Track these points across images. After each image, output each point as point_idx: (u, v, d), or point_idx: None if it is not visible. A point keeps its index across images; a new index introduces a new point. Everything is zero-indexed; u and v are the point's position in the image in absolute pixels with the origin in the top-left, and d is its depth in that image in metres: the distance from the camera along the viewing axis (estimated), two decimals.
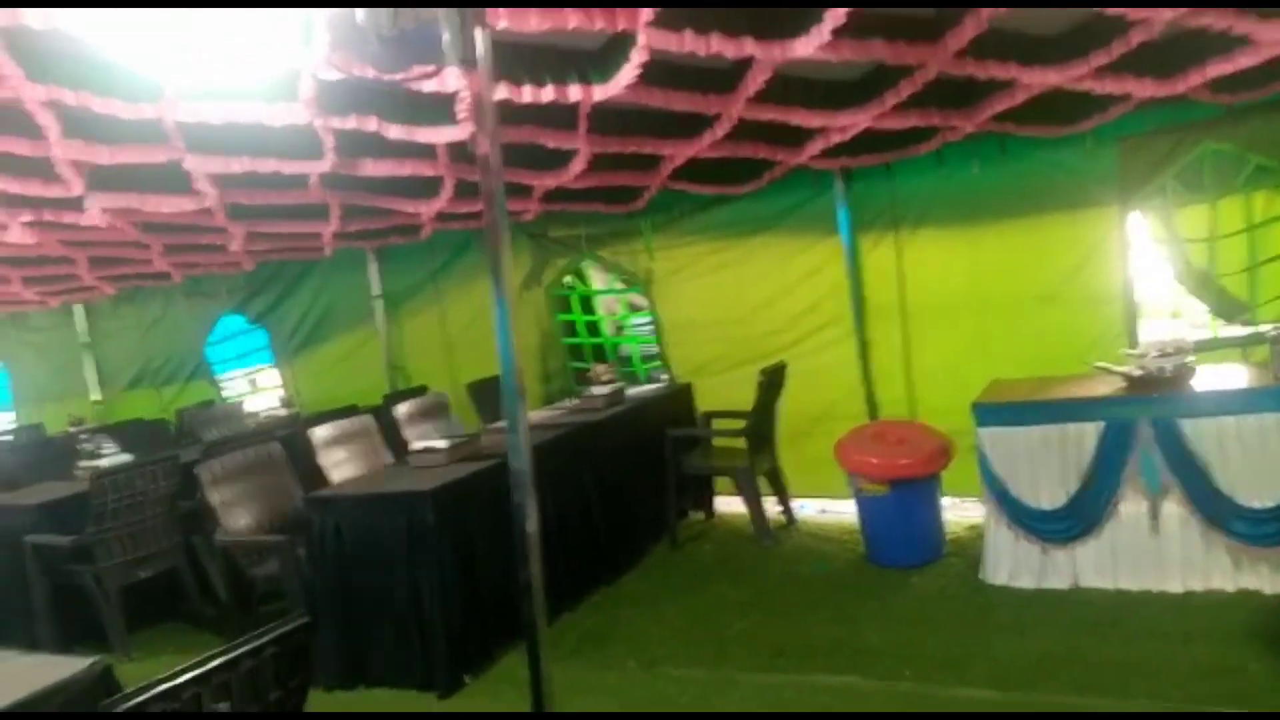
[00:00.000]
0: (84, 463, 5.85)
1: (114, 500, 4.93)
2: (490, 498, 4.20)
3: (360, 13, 2.55)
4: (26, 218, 5.29)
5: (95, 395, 9.00)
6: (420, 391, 6.81)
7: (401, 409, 5.95)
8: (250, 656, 2.09)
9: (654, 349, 6.91)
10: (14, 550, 5.13)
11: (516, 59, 3.68)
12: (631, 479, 5.58)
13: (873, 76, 4.24)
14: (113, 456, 5.85)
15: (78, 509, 5.02)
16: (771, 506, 5.80)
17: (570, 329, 7.18)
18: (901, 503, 4.93)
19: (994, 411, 4.52)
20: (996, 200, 5.50)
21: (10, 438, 8.51)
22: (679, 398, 6.41)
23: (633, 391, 6.34)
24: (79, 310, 8.87)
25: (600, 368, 6.31)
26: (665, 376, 6.75)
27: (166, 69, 3.61)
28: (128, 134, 4.30)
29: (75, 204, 5.08)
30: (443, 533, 4.08)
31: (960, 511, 5.48)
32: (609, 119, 4.53)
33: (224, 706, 2.07)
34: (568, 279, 7.16)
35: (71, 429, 7.75)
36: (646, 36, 3.32)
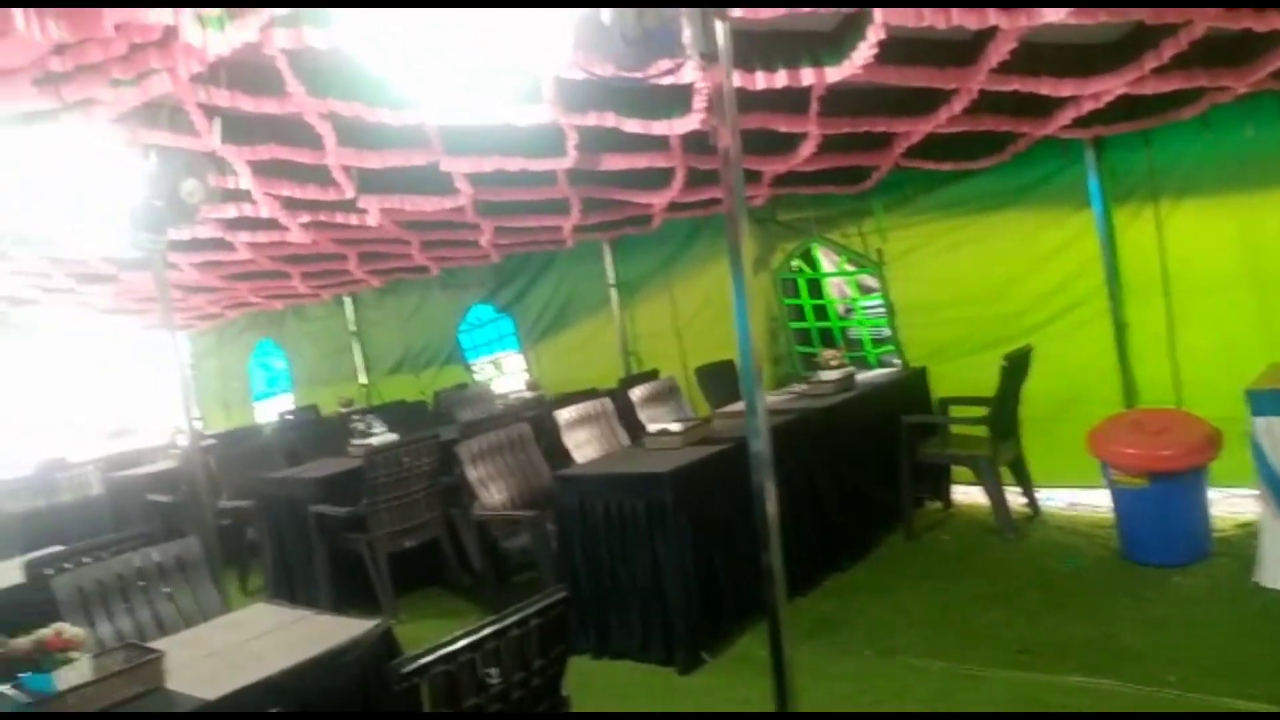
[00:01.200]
0: (356, 441, 6.44)
1: (383, 475, 5.41)
2: (726, 480, 4.28)
3: (606, 14, 2.66)
4: (305, 219, 5.89)
5: (362, 379, 9.90)
6: (652, 375, 7.00)
7: (636, 392, 6.15)
8: (517, 626, 2.25)
9: (886, 332, 6.74)
10: (300, 518, 5.74)
11: (749, 46, 3.71)
12: (862, 466, 5.49)
13: (1130, 37, 3.93)
14: (381, 435, 6.41)
15: (352, 483, 5.56)
16: (1014, 497, 5.53)
17: (797, 313, 7.14)
18: (1162, 496, 4.56)
19: (1273, 398, 4.10)
20: (1276, 166, 4.95)
21: (291, 417, 9.53)
22: (912, 383, 6.23)
23: (863, 376, 6.22)
24: (348, 302, 9.78)
25: (829, 352, 6.23)
26: (897, 361, 6.58)
27: (426, 78, 3.90)
28: (392, 140, 4.70)
29: (348, 205, 5.60)
30: (681, 513, 4.19)
31: (1230, 506, 5.00)
32: (840, 100, 4.46)
33: (494, 671, 2.24)
34: (795, 262, 7.12)
35: (342, 410, 8.56)
36: (883, 14, 3.25)
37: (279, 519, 6.02)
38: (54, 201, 5.24)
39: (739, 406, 2.75)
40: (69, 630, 2.58)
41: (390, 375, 9.72)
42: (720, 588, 4.35)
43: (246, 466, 6.90)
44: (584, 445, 5.44)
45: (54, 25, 2.30)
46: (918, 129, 4.81)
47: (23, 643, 2.56)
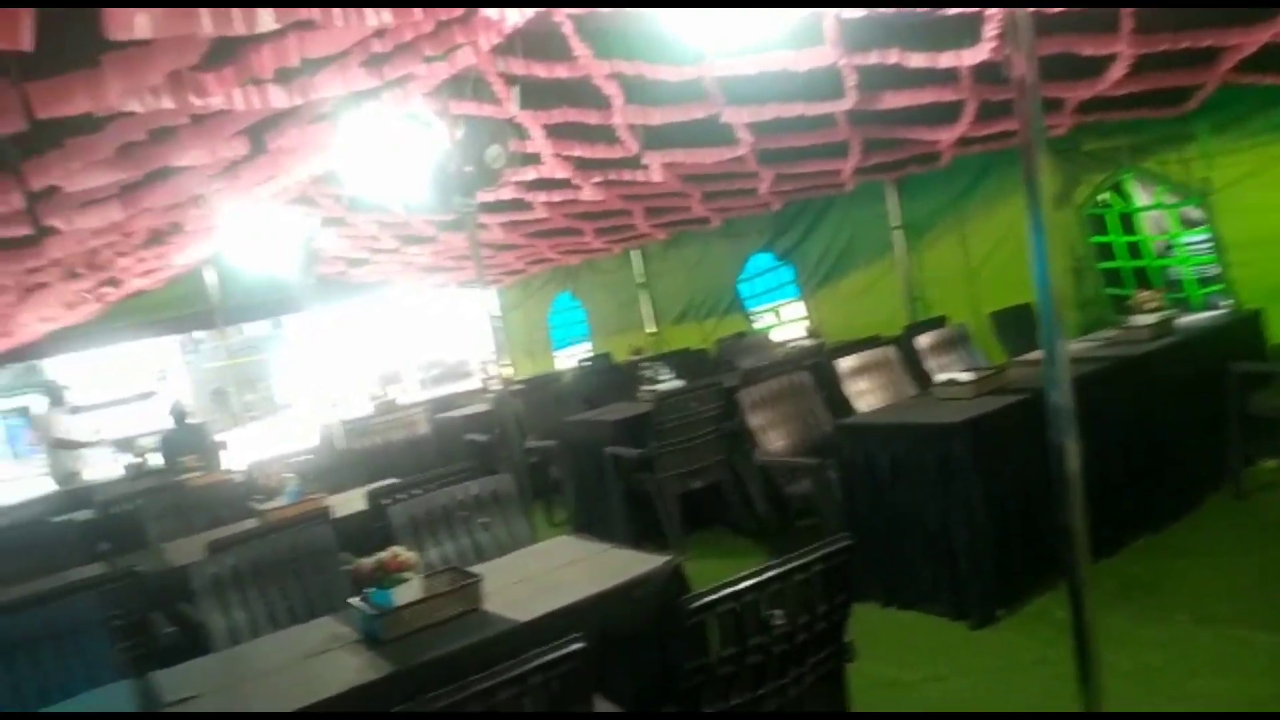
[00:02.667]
0: (645, 387, 6.75)
1: (671, 420, 5.63)
2: (1023, 433, 4.04)
3: None
4: (596, 178, 6.18)
5: (650, 328, 10.29)
6: (940, 322, 6.72)
7: (922, 340, 5.94)
8: (800, 570, 2.30)
9: (1213, 270, 6.02)
10: (597, 458, 6.13)
11: None
12: (1182, 420, 4.97)
13: None
14: (668, 382, 6.66)
15: (643, 426, 5.84)
16: None
17: (1106, 252, 6.54)
18: None
19: None
20: None
21: (588, 364, 10.13)
22: (1244, 327, 5.52)
23: (1185, 320, 5.61)
24: (636, 255, 10.17)
25: (1144, 294, 5.66)
26: (1227, 302, 5.86)
27: (707, 30, 3.94)
28: (672, 95, 4.81)
29: (633, 162, 5.81)
30: (974, 466, 4.04)
31: None
32: (1157, 14, 4.00)
33: (778, 613, 2.30)
34: (1103, 196, 6.50)
35: (633, 357, 8.98)
36: None
37: (578, 458, 6.46)
38: (380, 169, 5.86)
39: (1038, 355, 2.59)
40: (404, 553, 2.94)
41: (676, 324, 10.03)
42: (1016, 544, 4.15)
43: (549, 410, 7.45)
44: (866, 394, 5.35)
45: (373, 13, 2.55)
46: (1252, 39, 4.22)
47: (367, 563, 2.95)
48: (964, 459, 4.04)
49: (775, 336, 8.79)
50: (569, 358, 11.76)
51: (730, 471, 5.83)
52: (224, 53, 2.28)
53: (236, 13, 1.72)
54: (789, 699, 2.42)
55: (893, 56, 4.19)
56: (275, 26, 1.95)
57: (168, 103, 2.16)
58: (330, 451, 8.19)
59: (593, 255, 10.11)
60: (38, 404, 16.46)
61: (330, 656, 2.78)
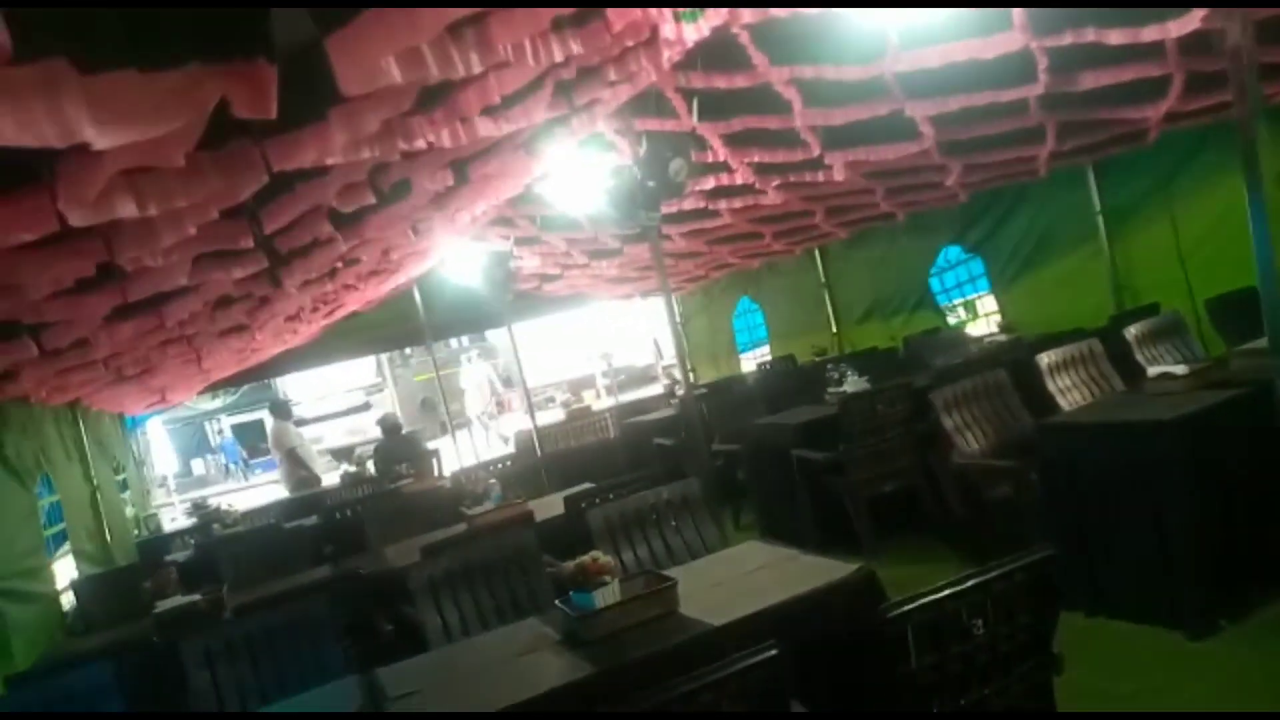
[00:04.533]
0: (831, 389, 6.67)
1: (859, 422, 5.56)
2: (1248, 428, 3.75)
3: None
4: (777, 182, 6.18)
5: (833, 328, 10.15)
6: (1151, 311, 6.28)
7: (1131, 330, 5.57)
8: (1001, 580, 2.24)
9: None
10: (783, 462, 6.12)
11: None
12: None
13: None
14: (854, 383, 6.56)
15: (829, 428, 5.78)
16: None
17: None
18: None
19: None
20: None
21: (769, 367, 10.10)
22: None
23: None
24: (818, 254, 10.07)
25: None
26: None
27: (888, 25, 3.89)
28: (853, 94, 4.75)
29: (815, 164, 5.77)
30: (1190, 466, 3.77)
31: None
32: None
33: (978, 623, 2.26)
34: None
35: (816, 359, 8.88)
36: None
37: (764, 461, 6.47)
38: (570, 189, 6.10)
39: (1262, 343, 2.40)
40: (603, 558, 3.07)
41: (860, 323, 9.85)
42: (1241, 548, 3.84)
43: (734, 413, 7.49)
44: (1069, 391, 5.08)
45: (557, 44, 2.69)
46: None
47: (569, 566, 3.10)
48: (1180, 458, 3.77)
49: (969, 332, 8.47)
50: (750, 361, 11.78)
51: (924, 475, 5.68)
52: (431, 97, 2.47)
53: (455, 55, 1.87)
54: (994, 709, 2.35)
55: (1089, 35, 3.98)
56: (479, 69, 2.10)
57: (385, 148, 2.37)
58: (528, 457, 8.56)
59: (773, 258, 10.08)
60: (267, 418, 18.09)
61: (537, 656, 2.93)
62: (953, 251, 8.63)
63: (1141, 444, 3.93)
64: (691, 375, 11.25)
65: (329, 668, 3.46)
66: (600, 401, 18.29)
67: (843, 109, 4.87)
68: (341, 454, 18.05)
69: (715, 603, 2.97)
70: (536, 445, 8.89)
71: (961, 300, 8.90)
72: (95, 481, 7.40)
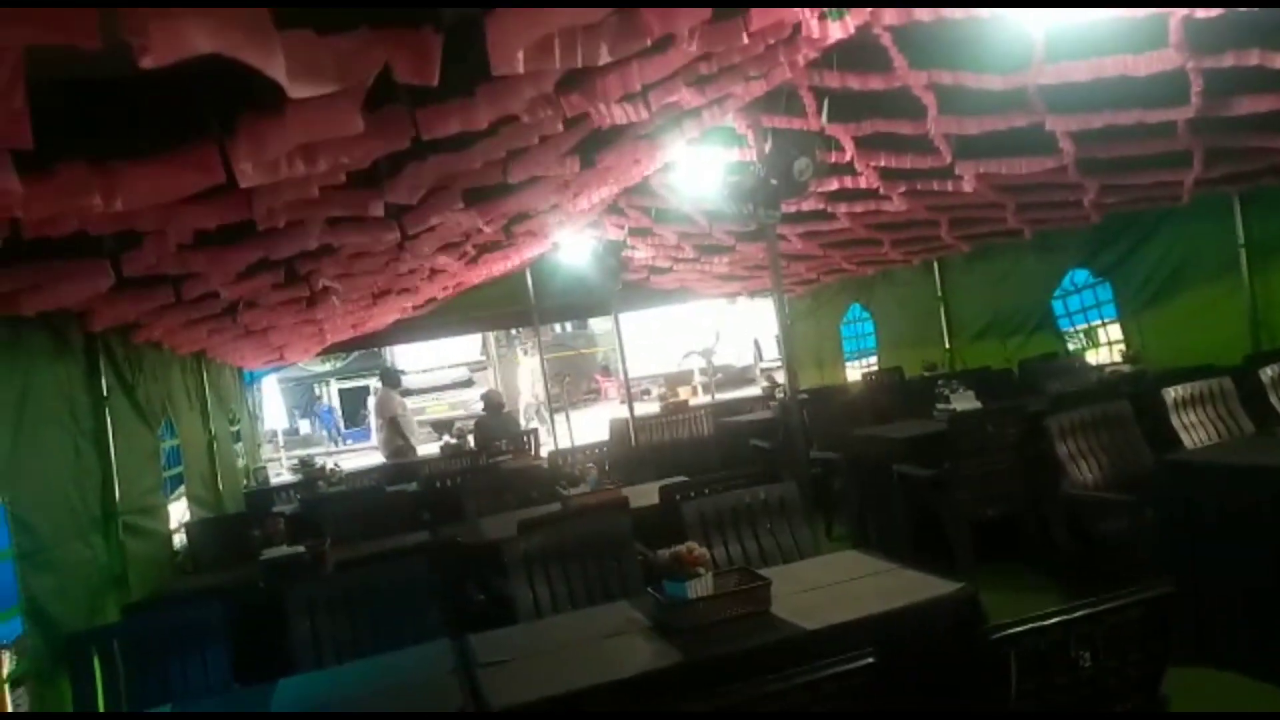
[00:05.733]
0: (941, 405, 6.51)
1: (966, 441, 5.41)
2: None
3: None
4: (903, 189, 6.06)
5: (945, 344, 9.90)
6: None
7: (1267, 372, 5.27)
8: (1114, 613, 2.15)
9: None
10: (883, 475, 6.00)
11: None
12: None
13: None
14: (964, 402, 6.39)
15: (934, 445, 5.65)
16: None
17: None
18: None
19: None
20: None
21: (877, 377, 9.92)
22: None
23: None
24: (936, 266, 9.83)
25: None
26: None
27: (1036, 34, 3.77)
28: (992, 104, 4.62)
29: (944, 172, 5.64)
30: None
31: None
32: None
33: (1086, 655, 2.18)
34: None
35: (926, 373, 8.68)
36: None
37: (863, 474, 6.37)
38: (689, 182, 6.11)
39: None
40: (698, 549, 3.07)
41: (975, 341, 9.57)
42: None
43: (835, 422, 7.39)
44: (1195, 428, 4.84)
45: (702, 37, 2.69)
46: None
47: (664, 554, 3.10)
48: None
49: (1089, 359, 8.15)
50: (855, 369, 11.58)
51: (1030, 502, 5.49)
52: (573, 80, 2.51)
53: (605, 42, 1.90)
54: None
55: (1253, 58, 3.77)
56: (624, 54, 2.12)
57: (523, 127, 2.42)
58: (623, 445, 8.63)
59: (889, 266, 9.89)
60: (374, 385, 18.70)
61: (625, 639, 2.96)
62: (1079, 275, 8.30)
63: (1269, 489, 3.72)
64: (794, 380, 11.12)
65: (423, 629, 3.55)
66: (696, 399, 18.28)
67: (979, 119, 4.74)
68: (441, 427, 18.50)
69: (809, 607, 2.94)
70: (632, 435, 8.95)
71: (1084, 326, 8.56)
72: (212, 430, 7.75)
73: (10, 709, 3.67)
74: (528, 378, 18.85)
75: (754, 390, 15.68)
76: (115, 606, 4.46)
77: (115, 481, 4.90)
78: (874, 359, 11.24)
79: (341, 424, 27.53)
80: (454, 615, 4.05)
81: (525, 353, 20.77)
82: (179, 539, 6.24)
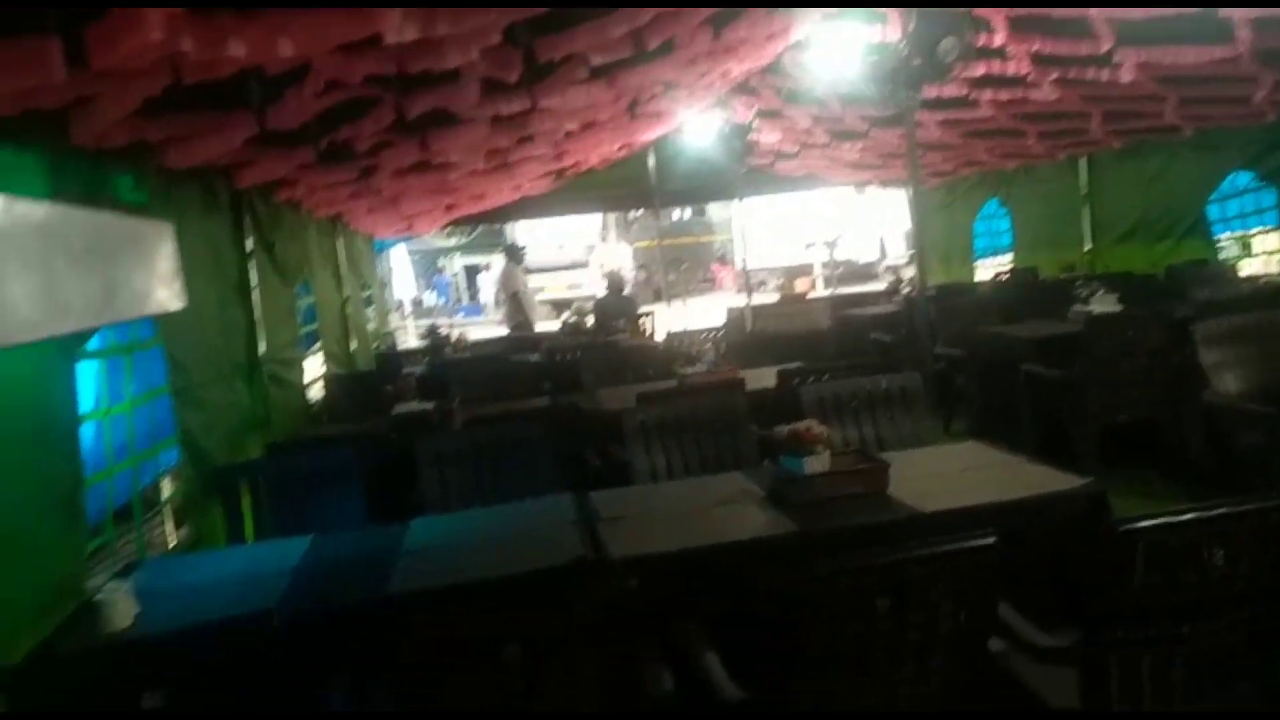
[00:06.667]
0: (1076, 306, 6.25)
1: (1103, 344, 5.19)
2: None
3: None
4: (1055, 76, 5.70)
5: (1087, 245, 9.41)
6: None
7: None
8: (1257, 516, 2.07)
9: None
10: (1009, 376, 5.84)
11: None
12: None
13: None
14: (1103, 304, 6.11)
15: (1066, 348, 5.45)
16: None
17: None
18: None
19: None
20: None
21: (1007, 278, 9.55)
22: None
23: None
24: (1082, 163, 9.27)
25: None
26: None
27: None
28: None
29: (1102, 60, 5.27)
30: None
31: None
32: None
33: (1219, 554, 2.11)
34: None
35: (1062, 275, 8.31)
36: None
37: (988, 372, 6.22)
38: (826, 60, 5.87)
39: None
40: (818, 427, 3.07)
41: (1119, 243, 9.06)
42: None
43: (961, 319, 7.18)
44: None
45: None
46: None
47: (783, 430, 3.13)
48: None
49: (1242, 269, 7.65)
50: (986, 268, 11.16)
51: (1168, 411, 5.27)
52: None
53: None
54: (1215, 646, 2.23)
55: None
56: None
57: None
58: (739, 332, 8.61)
59: (1031, 160, 9.38)
60: (497, 262, 19.07)
61: (738, 508, 3.02)
62: (1241, 178, 7.71)
63: None
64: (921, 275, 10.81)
65: (543, 485, 3.70)
66: (816, 291, 18.01)
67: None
68: (558, 306, 18.81)
69: (927, 491, 2.93)
70: (749, 322, 8.91)
71: (1240, 234, 8.00)
72: (345, 293, 8.08)
73: (172, 531, 4.03)
74: (637, 262, 18.90)
75: (876, 286, 15.34)
76: (256, 447, 4.79)
77: (258, 332, 5.19)
78: (1006, 258, 10.79)
79: (464, 297, 28.30)
80: (572, 477, 4.20)
81: (637, 238, 20.76)
82: (314, 392, 6.60)
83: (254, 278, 5.22)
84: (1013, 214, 10.68)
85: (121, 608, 2.46)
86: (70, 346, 2.88)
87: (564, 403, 5.19)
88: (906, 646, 2.06)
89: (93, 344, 3.24)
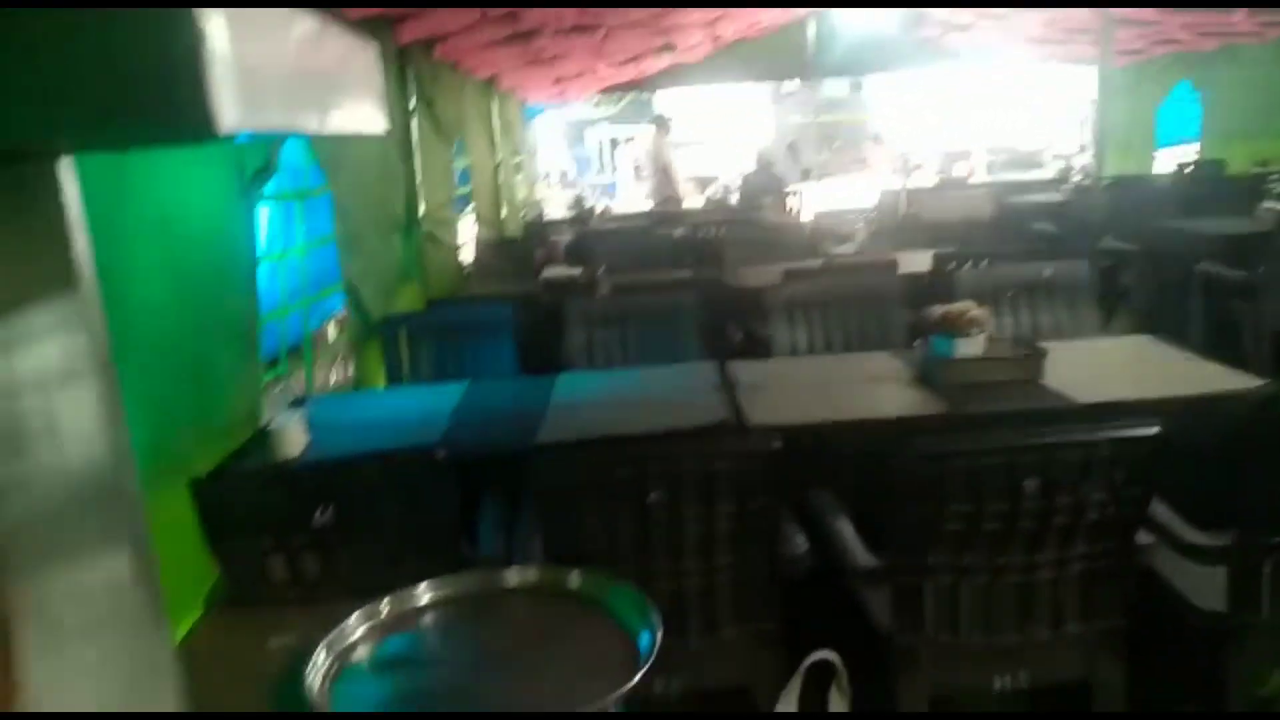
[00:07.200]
0: (1268, 203, 5.76)
1: None
2: None
3: None
4: None
5: None
6: None
7: None
8: None
9: None
10: (1183, 274, 5.47)
11: None
12: None
13: None
14: None
15: (1252, 247, 5.05)
16: None
17: None
18: None
19: None
20: None
21: (1190, 170, 8.83)
22: None
23: None
24: None
25: None
26: None
27: None
28: None
29: None
30: None
31: None
32: None
33: None
34: None
35: (1257, 169, 7.62)
36: None
37: (1160, 269, 5.84)
38: None
39: None
40: (975, 309, 2.97)
41: None
42: None
43: (1136, 212, 6.72)
44: None
45: None
46: None
47: (936, 311, 3.04)
48: None
49: None
50: (1168, 159, 10.32)
51: None
52: None
53: None
54: None
55: None
56: None
57: None
58: (892, 215, 8.33)
59: (1236, 40, 8.50)
60: (641, 135, 18.84)
61: (885, 385, 2.99)
62: None
63: None
64: (1095, 163, 10.12)
65: (685, 353, 3.74)
66: (976, 177, 17.13)
67: None
68: (702, 182, 18.56)
69: (1086, 382, 2.82)
70: (903, 204, 8.59)
71: None
72: (498, 158, 8.19)
73: (337, 372, 4.30)
74: (787, 139, 18.29)
75: (1041, 175, 14.46)
76: (410, 302, 4.99)
77: (418, 190, 5.35)
78: (1192, 148, 9.95)
79: (604, 170, 28.19)
80: (713, 349, 4.23)
81: (789, 114, 20.04)
82: (467, 253, 6.80)
83: (415, 135, 5.34)
84: (1204, 100, 9.77)
85: (294, 435, 2.68)
86: (251, 190, 3.04)
87: (707, 276, 5.18)
88: (1050, 530, 2.02)
89: (269, 189, 3.41)
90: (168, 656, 0.95)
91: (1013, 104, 20.75)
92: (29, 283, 0.84)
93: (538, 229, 8.38)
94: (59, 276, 0.85)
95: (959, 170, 17.33)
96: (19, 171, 0.82)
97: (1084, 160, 10.59)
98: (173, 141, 0.72)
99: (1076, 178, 9.11)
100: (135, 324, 2.23)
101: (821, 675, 2.01)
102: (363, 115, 0.81)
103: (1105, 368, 3.00)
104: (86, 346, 0.87)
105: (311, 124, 0.68)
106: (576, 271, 5.10)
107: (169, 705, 0.94)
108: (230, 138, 0.60)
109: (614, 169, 27.14)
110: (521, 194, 9.99)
